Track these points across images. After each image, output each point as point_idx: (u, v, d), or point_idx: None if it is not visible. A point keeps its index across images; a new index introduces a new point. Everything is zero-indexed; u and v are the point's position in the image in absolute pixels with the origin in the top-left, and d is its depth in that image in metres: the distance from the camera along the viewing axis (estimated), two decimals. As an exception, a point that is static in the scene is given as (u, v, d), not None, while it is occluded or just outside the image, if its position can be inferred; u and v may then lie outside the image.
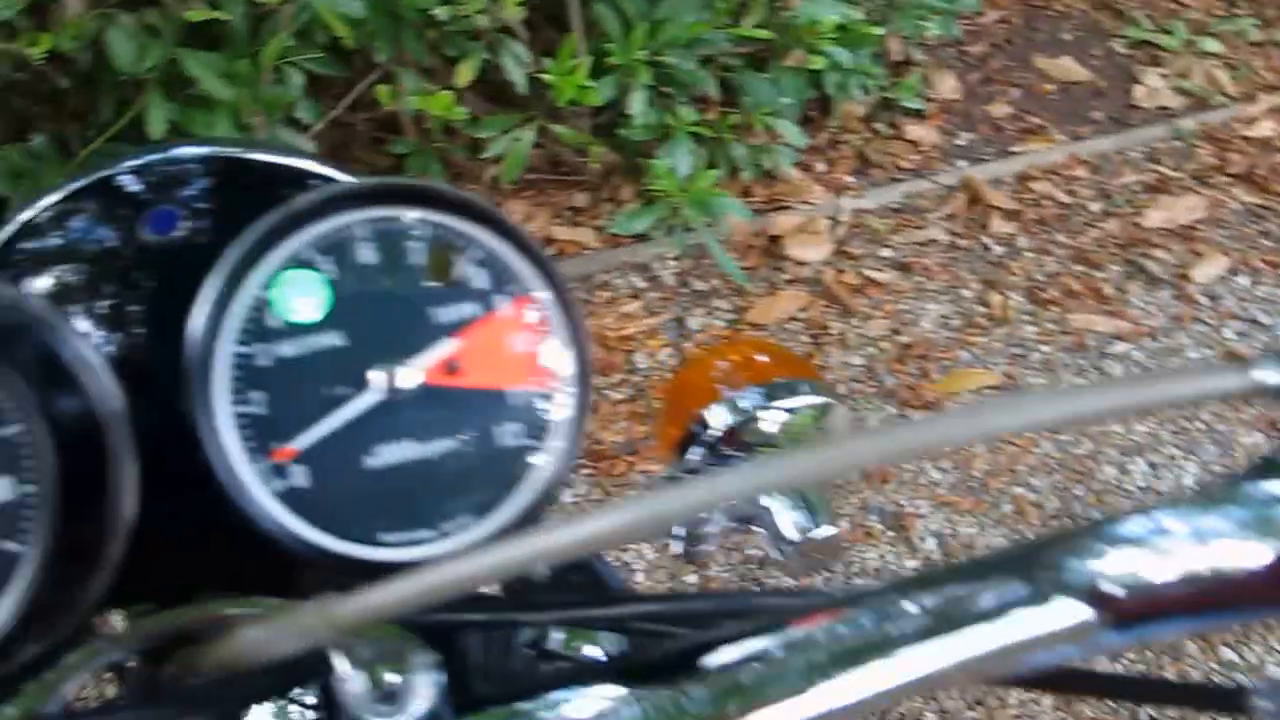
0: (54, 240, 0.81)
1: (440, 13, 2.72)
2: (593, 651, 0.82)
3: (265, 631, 0.59)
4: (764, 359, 1.05)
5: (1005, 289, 3.37)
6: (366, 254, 0.71)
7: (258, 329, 0.69)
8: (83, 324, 0.78)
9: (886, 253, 3.47)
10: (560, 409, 0.73)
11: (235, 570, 0.79)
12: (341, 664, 0.58)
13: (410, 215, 0.73)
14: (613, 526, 0.50)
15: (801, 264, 3.38)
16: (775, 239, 3.42)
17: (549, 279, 0.73)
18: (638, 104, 3.06)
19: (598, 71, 2.98)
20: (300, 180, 0.88)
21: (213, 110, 2.54)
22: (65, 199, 0.83)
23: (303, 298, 0.70)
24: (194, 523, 0.77)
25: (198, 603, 0.66)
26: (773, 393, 1.02)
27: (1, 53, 2.41)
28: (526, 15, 2.88)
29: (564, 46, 2.86)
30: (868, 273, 3.38)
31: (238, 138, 2.55)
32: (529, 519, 0.71)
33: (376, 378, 0.70)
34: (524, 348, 0.73)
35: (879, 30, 3.41)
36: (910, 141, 3.83)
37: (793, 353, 1.12)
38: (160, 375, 0.78)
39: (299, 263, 0.70)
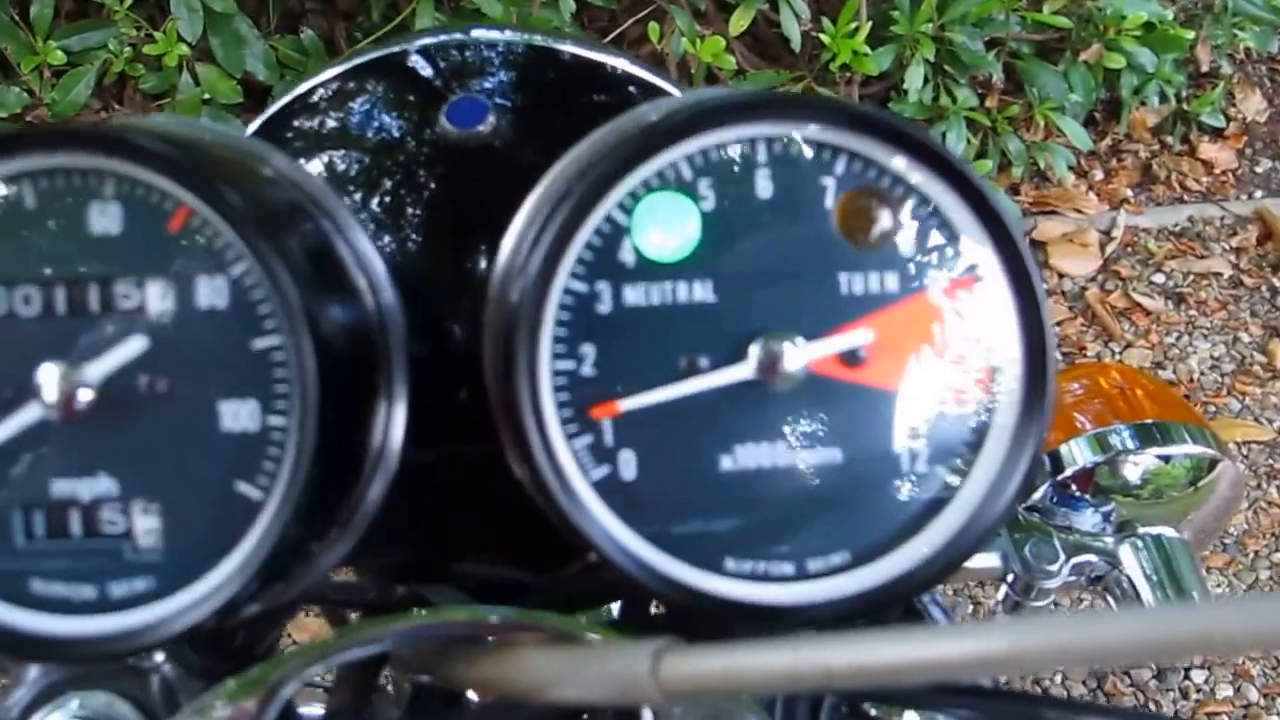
0: (331, 121, 0.70)
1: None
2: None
3: (566, 668, 0.45)
4: (1138, 393, 0.86)
5: (1290, 338, 3.04)
6: (760, 185, 0.53)
7: (605, 262, 0.53)
8: (363, 221, 0.65)
9: (1159, 278, 3.18)
10: (998, 428, 0.54)
11: (511, 546, 0.65)
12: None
13: (826, 140, 0.54)
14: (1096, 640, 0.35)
15: (1063, 276, 3.13)
16: (1038, 245, 3.18)
17: (1008, 252, 0.54)
18: (915, 79, 2.89)
19: (877, 40, 2.82)
20: (624, 84, 0.73)
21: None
22: (348, 75, 0.70)
23: (668, 229, 0.53)
24: (463, 479, 0.63)
25: (469, 607, 0.52)
26: (1147, 434, 0.84)
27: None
28: (813, -31, 2.73)
29: (846, 8, 2.72)
30: (1136, 296, 3.10)
31: (543, 28, 2.45)
32: (927, 576, 0.53)
33: (755, 352, 0.52)
34: (958, 343, 0.54)
35: (1189, 35, 3.14)
36: (1203, 161, 3.50)
37: (1173, 391, 0.93)
38: (442, 296, 0.65)
39: (670, 183, 0.53)
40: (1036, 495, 0.84)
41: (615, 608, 0.73)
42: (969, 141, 3.01)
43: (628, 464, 0.52)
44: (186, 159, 0.49)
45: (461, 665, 0.50)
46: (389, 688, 0.69)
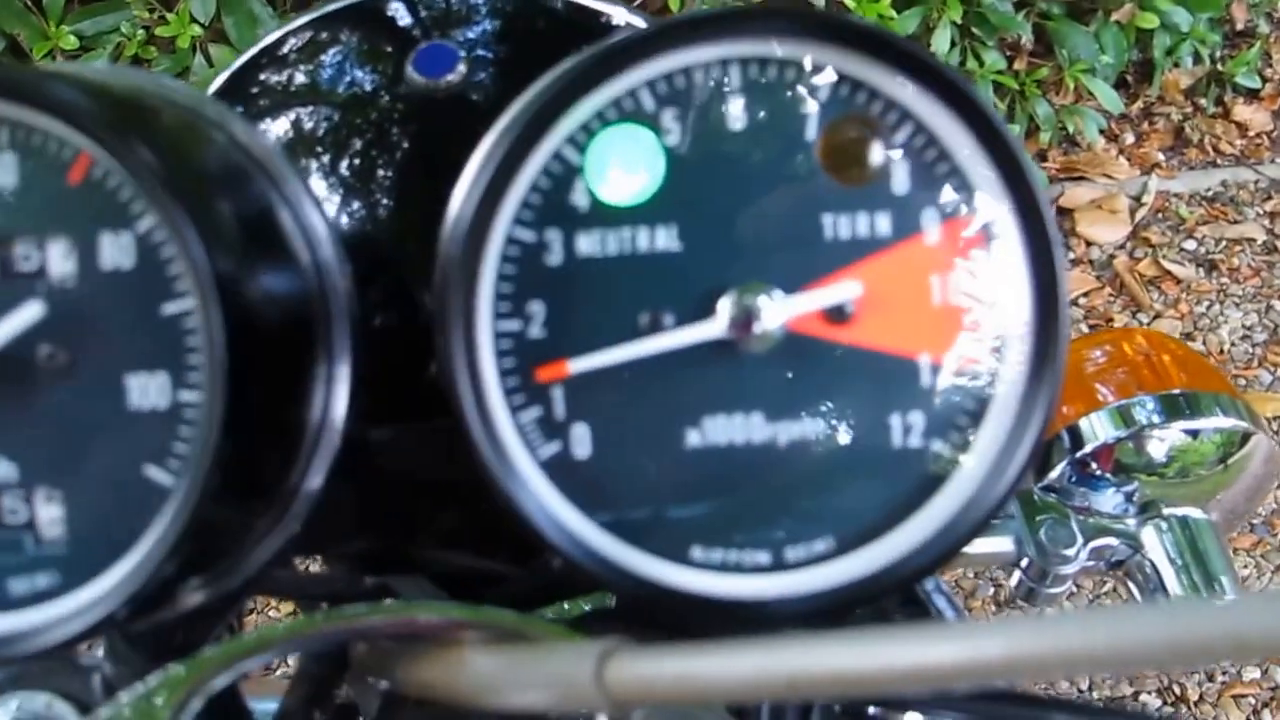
0: (299, 74, 0.65)
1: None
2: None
3: (507, 671, 0.40)
4: (1165, 359, 0.80)
5: (1326, 307, 2.95)
6: (732, 115, 0.47)
7: (555, 207, 0.47)
8: (318, 183, 0.61)
9: (1190, 245, 3.09)
10: (1004, 394, 0.48)
11: (484, 533, 0.60)
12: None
13: (808, 60, 0.47)
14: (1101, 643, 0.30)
15: (1092, 244, 3.04)
16: (1066, 212, 3.09)
17: (1018, 189, 0.47)
18: (941, 41, 2.81)
19: (903, 2, 2.74)
20: (613, 31, 0.68)
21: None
22: (317, 24, 0.65)
23: (627, 168, 0.46)
24: (431, 461, 0.59)
25: (402, 603, 0.47)
26: (1173, 406, 0.78)
27: None
28: (837, -75, 2.64)
29: (872, -31, 2.62)
30: (1166, 264, 3.01)
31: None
32: (921, 565, 0.47)
33: (726, 308, 0.46)
34: (959, 297, 0.48)
35: (1225, -8, 3.04)
36: (1237, 124, 3.40)
37: (1203, 358, 0.87)
38: (408, 261, 0.60)
39: (627, 115, 0.47)
40: (1054, 474, 0.78)
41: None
42: (997, 105, 2.93)
43: (581, 440, 0.46)
44: (85, 103, 0.43)
45: (403, 666, 0.45)
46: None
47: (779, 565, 0.47)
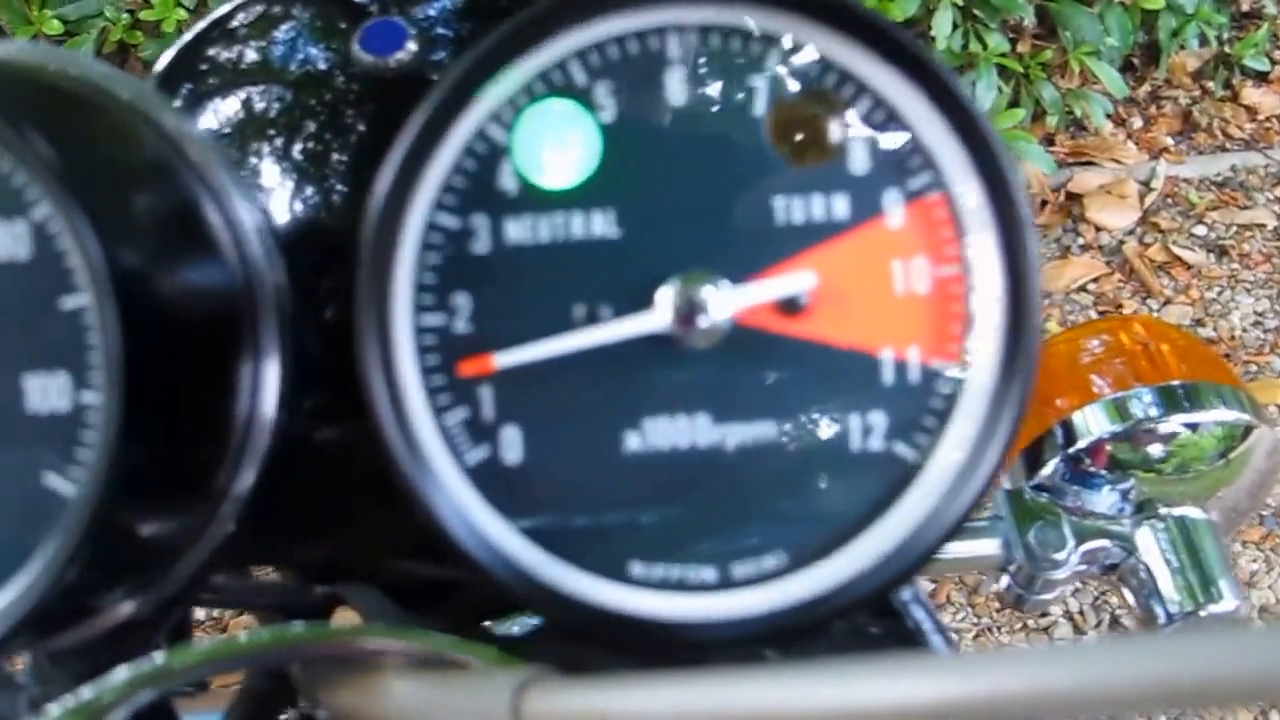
0: (249, 51, 0.62)
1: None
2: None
3: (423, 701, 0.37)
4: (1164, 349, 0.76)
5: (1339, 293, 2.90)
6: (673, 89, 0.43)
7: (480, 191, 0.43)
8: (266, 165, 0.58)
9: (1200, 230, 3.05)
10: (974, 391, 0.44)
11: (427, 540, 0.58)
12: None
13: (755, 28, 0.43)
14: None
15: (1101, 229, 3.00)
16: (1074, 197, 3.05)
17: (986, 164, 0.43)
18: (943, 24, 2.76)
19: (903, -18, 2.68)
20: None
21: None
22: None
23: (558, 147, 0.43)
24: (371, 460, 0.56)
25: (332, 626, 0.44)
26: (1172, 399, 0.74)
27: None
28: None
29: (871, -50, 2.58)
30: (1176, 250, 2.97)
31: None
32: (883, 581, 0.43)
33: (666, 299, 0.42)
34: (923, 285, 0.44)
35: (1232, -28, 2.99)
36: (1246, 107, 3.35)
37: (1206, 346, 0.83)
38: (353, 251, 0.57)
39: (559, 88, 0.43)
40: (1045, 471, 0.74)
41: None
42: (1001, 89, 2.88)
43: (511, 443, 0.43)
44: None
45: (328, 690, 0.42)
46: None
47: (726, 583, 0.43)
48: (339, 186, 0.58)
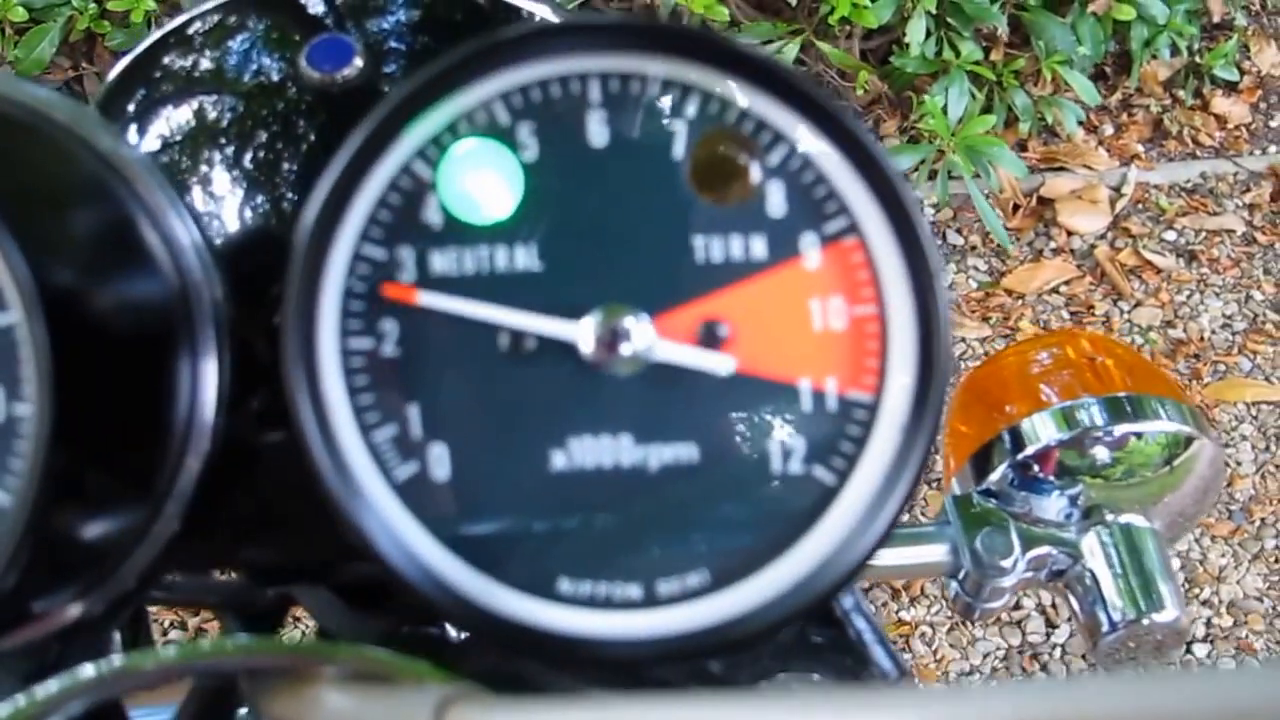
0: (203, 61, 0.62)
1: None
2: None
3: (352, 714, 0.38)
4: (1109, 363, 0.78)
5: (1304, 297, 2.94)
6: (594, 131, 0.45)
7: (406, 224, 0.45)
8: (216, 175, 0.58)
9: (1170, 235, 3.08)
10: (885, 426, 0.46)
11: (351, 548, 0.59)
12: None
13: (673, 76, 0.45)
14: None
15: (1073, 233, 3.04)
16: (1047, 202, 3.08)
17: (896, 213, 0.45)
18: (917, 32, 2.79)
19: (877, -10, 2.70)
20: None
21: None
22: (225, 8, 0.62)
23: (483, 184, 0.44)
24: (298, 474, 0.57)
25: (244, 639, 0.45)
26: (1117, 409, 0.76)
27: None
28: (811, -83, 2.63)
29: (845, -42, 2.60)
30: (1147, 254, 3.01)
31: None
32: (806, 598, 0.45)
33: (588, 329, 0.44)
34: (836, 322, 0.46)
35: (1202, -16, 3.03)
36: (1216, 115, 3.39)
37: (1149, 361, 0.85)
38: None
39: (482, 128, 0.45)
40: (994, 477, 0.76)
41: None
42: (974, 96, 2.91)
43: (439, 460, 0.44)
44: None
45: (264, 697, 0.43)
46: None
47: (650, 600, 0.45)
48: (288, 196, 0.59)
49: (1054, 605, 2.33)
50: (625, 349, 0.44)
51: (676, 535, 0.45)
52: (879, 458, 0.45)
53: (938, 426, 0.45)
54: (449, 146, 0.44)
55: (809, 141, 0.45)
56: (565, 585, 0.45)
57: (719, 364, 0.45)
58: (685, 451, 0.45)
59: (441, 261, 0.45)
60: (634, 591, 0.45)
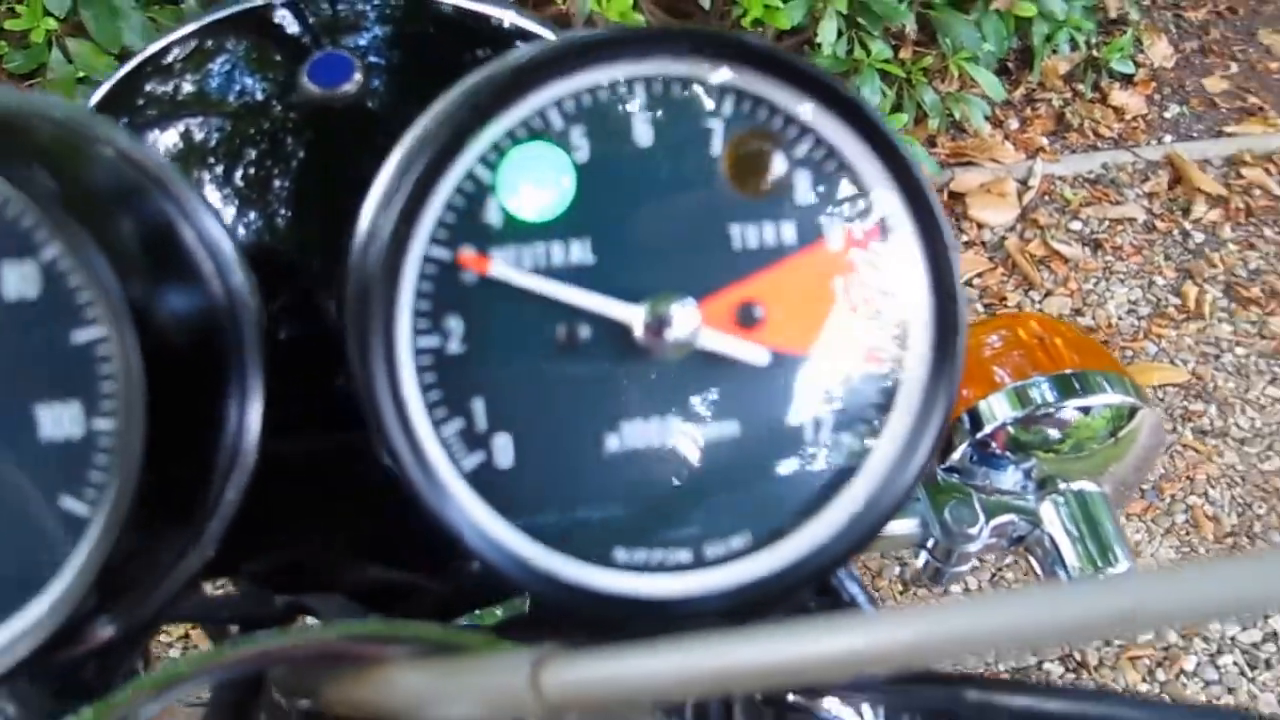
0: (187, 84, 0.63)
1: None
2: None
3: (438, 685, 0.41)
4: (1057, 342, 0.83)
5: (1203, 281, 3.07)
6: (639, 132, 0.49)
7: (469, 225, 0.47)
8: (214, 196, 0.60)
9: (1076, 225, 3.19)
10: (906, 393, 0.50)
11: (396, 543, 0.60)
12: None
13: (710, 79, 0.49)
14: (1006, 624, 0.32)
15: (983, 226, 3.12)
16: (957, 196, 3.16)
17: (915, 201, 0.49)
18: (828, 32, 2.83)
19: (789, -8, 2.75)
20: (509, 37, 0.68)
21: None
22: (204, 32, 0.64)
23: (537, 185, 0.48)
24: (338, 471, 0.58)
25: (334, 621, 0.47)
26: (1066, 385, 0.81)
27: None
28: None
29: (758, -40, 2.64)
30: (1055, 245, 3.10)
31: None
32: (837, 553, 0.49)
33: (636, 316, 0.48)
34: (862, 298, 0.50)
35: (1097, -19, 3.14)
36: (1114, 108, 3.51)
37: (1091, 338, 0.91)
38: (310, 272, 0.59)
39: (536, 133, 0.48)
40: (955, 455, 0.81)
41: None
42: (884, 94, 2.97)
43: (503, 450, 0.47)
44: None
45: (331, 687, 0.45)
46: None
47: (699, 563, 0.48)
48: (291, 212, 0.60)
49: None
50: (672, 333, 0.47)
51: (720, 503, 0.49)
52: (902, 422, 0.49)
53: (955, 390, 0.49)
54: (507, 151, 0.47)
55: (833, 133, 0.49)
56: (621, 554, 0.48)
57: (755, 355, 0.49)
58: (726, 428, 0.49)
59: (502, 258, 0.47)
60: (683, 555, 0.48)
